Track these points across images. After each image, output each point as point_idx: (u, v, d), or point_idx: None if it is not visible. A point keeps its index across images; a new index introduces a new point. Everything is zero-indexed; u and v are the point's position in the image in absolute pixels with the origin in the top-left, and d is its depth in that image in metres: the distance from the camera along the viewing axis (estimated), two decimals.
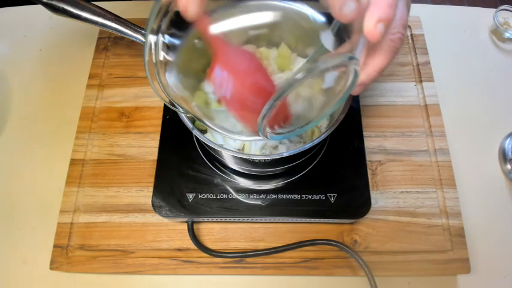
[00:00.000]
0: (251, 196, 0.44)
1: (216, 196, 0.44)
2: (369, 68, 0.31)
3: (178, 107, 0.33)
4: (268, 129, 0.29)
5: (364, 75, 0.31)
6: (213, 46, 0.29)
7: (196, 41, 0.32)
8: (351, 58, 0.26)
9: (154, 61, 0.30)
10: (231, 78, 0.29)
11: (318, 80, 0.28)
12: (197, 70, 0.35)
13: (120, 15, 0.39)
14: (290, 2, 0.32)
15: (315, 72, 0.25)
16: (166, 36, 0.30)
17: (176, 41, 0.31)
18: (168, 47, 0.31)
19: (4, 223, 0.49)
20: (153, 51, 0.29)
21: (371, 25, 0.26)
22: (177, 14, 0.27)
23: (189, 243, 0.46)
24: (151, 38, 0.29)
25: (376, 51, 0.30)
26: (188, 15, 0.26)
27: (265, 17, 0.32)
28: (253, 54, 0.34)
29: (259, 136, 0.29)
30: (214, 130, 0.33)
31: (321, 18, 0.32)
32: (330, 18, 0.30)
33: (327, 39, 0.30)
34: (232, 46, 0.30)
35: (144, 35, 0.30)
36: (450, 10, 0.64)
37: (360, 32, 0.27)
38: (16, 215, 0.49)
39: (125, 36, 0.39)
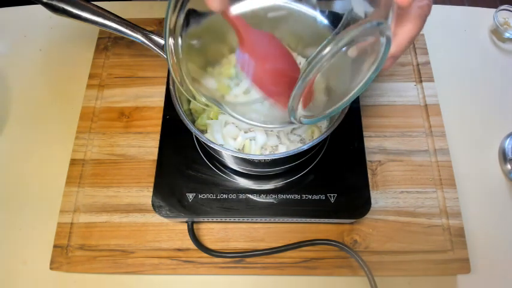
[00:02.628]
0: (251, 196, 0.44)
1: (216, 196, 0.44)
2: (398, 37, 0.29)
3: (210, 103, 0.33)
4: (300, 112, 0.27)
5: (395, 47, 0.29)
6: (235, 29, 0.28)
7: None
8: (380, 24, 0.24)
9: (176, 61, 0.29)
10: (252, 61, 0.29)
11: (345, 56, 0.26)
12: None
13: (120, 15, 0.39)
14: (293, 2, 0.32)
15: (343, 43, 0.23)
16: (183, 34, 0.29)
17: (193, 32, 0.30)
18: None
19: (4, 223, 0.49)
20: (173, 52, 0.29)
21: None
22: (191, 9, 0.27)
23: (189, 243, 0.46)
24: (171, 41, 0.28)
25: (405, 20, 0.29)
26: (213, 6, 0.25)
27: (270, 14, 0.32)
28: (275, 38, 0.32)
29: (290, 124, 0.28)
30: (244, 122, 0.33)
31: (325, 21, 0.31)
32: (333, 21, 0.29)
33: (358, 4, 0.28)
34: (254, 30, 0.29)
35: (164, 41, 0.29)
36: (450, 10, 0.64)
37: (386, 4, 0.26)
38: (16, 215, 0.49)
39: (125, 36, 0.39)
